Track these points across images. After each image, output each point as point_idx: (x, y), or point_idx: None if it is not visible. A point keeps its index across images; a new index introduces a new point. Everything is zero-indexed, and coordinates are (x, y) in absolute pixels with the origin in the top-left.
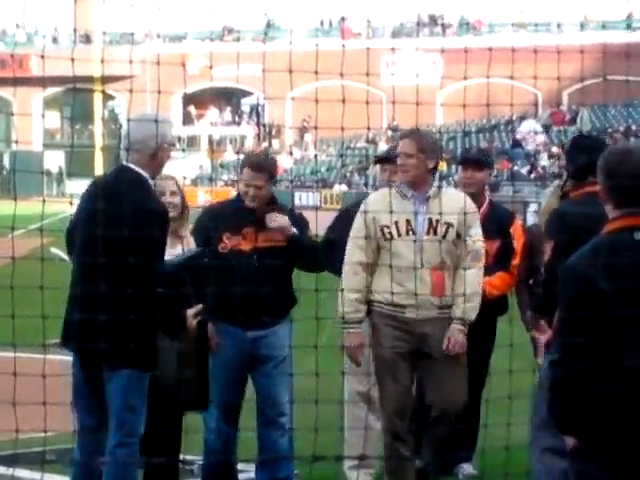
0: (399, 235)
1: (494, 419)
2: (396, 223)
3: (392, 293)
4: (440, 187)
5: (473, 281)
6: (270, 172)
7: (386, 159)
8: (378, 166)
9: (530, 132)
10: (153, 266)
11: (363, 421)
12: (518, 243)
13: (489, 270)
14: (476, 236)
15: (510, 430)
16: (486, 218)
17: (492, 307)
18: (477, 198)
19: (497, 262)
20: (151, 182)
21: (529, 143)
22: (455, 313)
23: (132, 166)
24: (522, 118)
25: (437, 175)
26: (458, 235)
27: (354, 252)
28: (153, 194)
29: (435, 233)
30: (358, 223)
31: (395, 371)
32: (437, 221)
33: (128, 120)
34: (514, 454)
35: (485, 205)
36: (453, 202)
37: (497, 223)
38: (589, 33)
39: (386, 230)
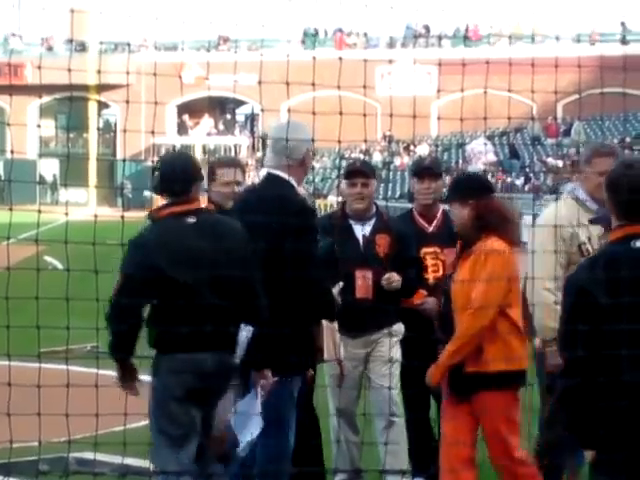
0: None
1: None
2: (589, 239)
3: None
4: None
5: None
6: (243, 168)
7: (357, 172)
8: (345, 181)
9: (478, 151)
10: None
11: (337, 435)
12: None
13: (448, 280)
14: None
15: None
16: (441, 228)
17: None
18: (432, 208)
19: None
20: (298, 189)
21: (476, 162)
22: None
23: (279, 173)
24: (517, 130)
25: None
26: None
27: (556, 267)
28: (295, 194)
29: None
30: (555, 238)
31: None
32: None
33: (291, 130)
34: None
35: (439, 215)
36: None
37: (453, 232)
38: (585, 46)
39: (584, 247)
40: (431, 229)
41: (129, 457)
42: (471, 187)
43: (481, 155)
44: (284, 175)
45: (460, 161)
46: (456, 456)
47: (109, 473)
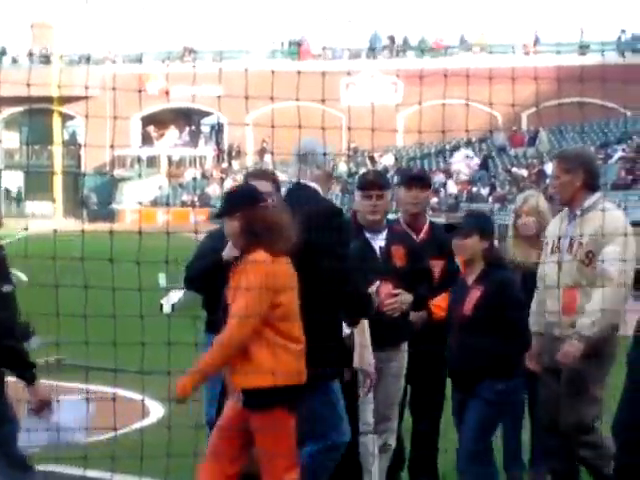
0: (547, 254)
1: (453, 443)
2: (552, 242)
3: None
4: (593, 206)
5: (595, 298)
6: (274, 179)
7: (372, 184)
8: (358, 192)
9: (463, 160)
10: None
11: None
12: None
13: (434, 291)
14: (608, 255)
15: None
16: (428, 239)
17: (440, 329)
18: (419, 219)
19: (442, 283)
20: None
21: (463, 170)
22: (575, 328)
23: (307, 182)
24: (482, 140)
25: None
26: (593, 254)
27: None
28: (324, 199)
29: (571, 252)
30: None
31: (542, 384)
32: (575, 240)
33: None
34: None
35: (426, 226)
36: (594, 221)
37: (439, 244)
38: (544, 56)
39: (543, 249)
40: (418, 239)
41: (91, 470)
42: (238, 199)
43: (469, 161)
44: (311, 184)
45: (426, 171)
46: (220, 471)
47: None
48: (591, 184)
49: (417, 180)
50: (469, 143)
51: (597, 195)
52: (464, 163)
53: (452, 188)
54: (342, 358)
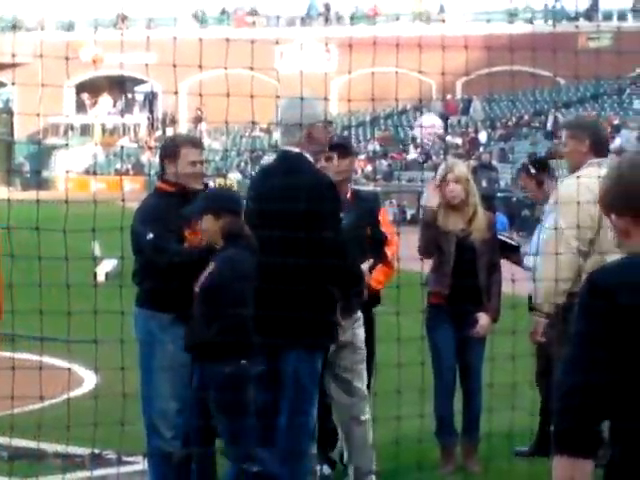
0: None
1: (383, 413)
2: None
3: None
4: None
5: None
6: (203, 147)
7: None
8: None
9: (430, 125)
10: (326, 238)
11: None
12: (387, 230)
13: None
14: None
15: (400, 423)
16: (351, 208)
17: (368, 301)
18: (341, 187)
19: (370, 252)
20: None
21: (427, 136)
22: None
23: (290, 148)
24: (416, 108)
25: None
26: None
27: None
28: (316, 170)
29: None
30: None
31: None
32: None
33: (289, 106)
34: (406, 447)
35: (349, 195)
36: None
37: (363, 212)
38: (475, 24)
39: None
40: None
41: (17, 439)
42: None
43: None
44: (297, 149)
45: (361, 140)
46: None
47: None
48: (597, 150)
49: (337, 148)
50: (404, 111)
51: (591, 161)
52: (426, 129)
53: (412, 154)
54: (334, 331)
